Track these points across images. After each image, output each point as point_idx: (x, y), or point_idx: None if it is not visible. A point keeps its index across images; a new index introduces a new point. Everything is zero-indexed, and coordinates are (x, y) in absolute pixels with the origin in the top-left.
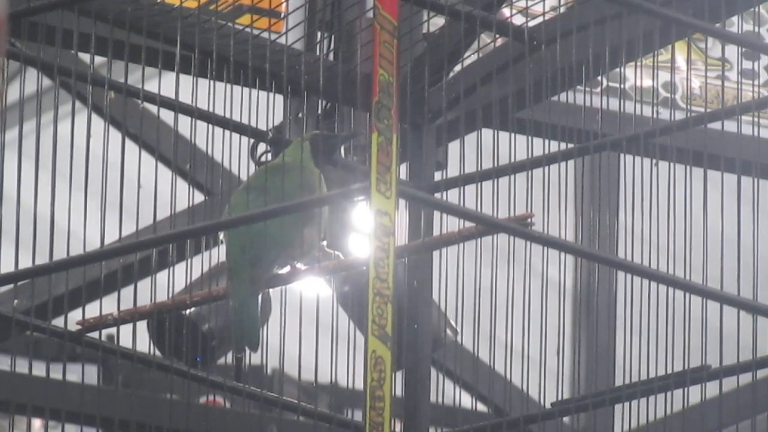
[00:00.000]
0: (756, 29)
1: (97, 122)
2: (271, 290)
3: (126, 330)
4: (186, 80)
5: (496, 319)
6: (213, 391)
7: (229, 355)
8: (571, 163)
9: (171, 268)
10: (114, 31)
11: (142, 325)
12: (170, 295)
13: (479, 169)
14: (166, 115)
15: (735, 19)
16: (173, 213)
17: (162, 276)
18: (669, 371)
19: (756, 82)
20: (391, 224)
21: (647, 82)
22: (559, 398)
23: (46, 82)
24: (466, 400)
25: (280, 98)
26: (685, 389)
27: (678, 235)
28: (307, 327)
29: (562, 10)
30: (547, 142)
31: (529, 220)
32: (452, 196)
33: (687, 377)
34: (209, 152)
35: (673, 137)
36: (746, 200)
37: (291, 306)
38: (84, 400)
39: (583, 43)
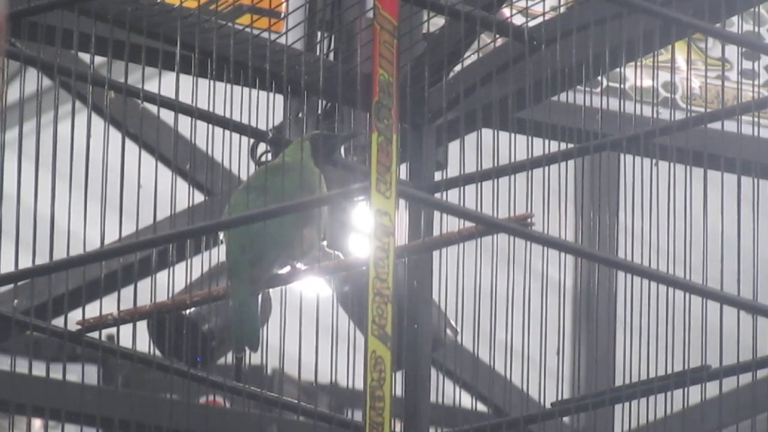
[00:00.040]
0: (756, 29)
1: (97, 122)
2: (271, 290)
3: (126, 330)
4: (186, 80)
5: (496, 319)
6: (213, 391)
7: (229, 355)
8: (571, 163)
9: (171, 268)
10: (114, 31)
11: (142, 325)
12: (170, 295)
13: (479, 169)
14: (166, 115)
15: (735, 19)
16: (173, 213)
17: (162, 276)
18: (669, 371)
19: (756, 82)
20: (391, 224)
21: (647, 82)
22: (559, 398)
23: (46, 82)
24: (466, 400)
25: (280, 98)
26: (685, 389)
27: (678, 236)
28: (307, 327)
29: (562, 10)
30: (547, 142)
31: (529, 220)
32: (452, 196)
33: (687, 377)
34: (209, 152)
35: (673, 137)
36: (746, 200)
37: (291, 306)
38: (84, 400)
39: (583, 43)
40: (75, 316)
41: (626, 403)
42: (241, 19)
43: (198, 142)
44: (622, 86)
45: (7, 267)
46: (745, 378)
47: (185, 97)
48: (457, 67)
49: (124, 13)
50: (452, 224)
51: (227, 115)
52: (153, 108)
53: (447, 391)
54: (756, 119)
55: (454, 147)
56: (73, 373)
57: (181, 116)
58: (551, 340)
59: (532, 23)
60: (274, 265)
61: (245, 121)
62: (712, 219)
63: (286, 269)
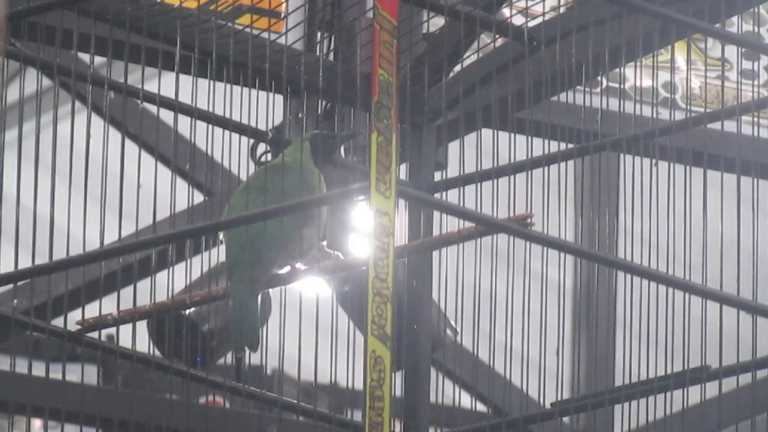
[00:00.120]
0: (756, 29)
1: (97, 122)
2: (270, 290)
3: (126, 330)
4: (186, 80)
5: (495, 319)
6: (213, 391)
7: (229, 355)
8: (570, 163)
9: (170, 268)
10: (114, 31)
11: (141, 325)
12: (170, 295)
13: (479, 169)
14: (166, 115)
15: (735, 19)
16: (173, 213)
17: (162, 276)
18: (669, 371)
19: (756, 82)
20: (391, 224)
21: (647, 82)
22: (559, 398)
23: (46, 82)
24: (466, 401)
25: (279, 98)
26: (685, 389)
27: (677, 236)
28: (307, 327)
29: (562, 10)
30: (546, 142)
31: (528, 220)
32: (452, 196)
33: (687, 377)
34: (209, 152)
35: (672, 137)
36: (746, 200)
37: (291, 306)
38: (84, 400)
39: (583, 43)
40: (75, 316)
41: (626, 404)
42: (240, 19)
43: (198, 142)
44: (621, 86)
45: (7, 267)
46: (745, 378)
47: (185, 97)
48: (457, 67)
49: (123, 13)
50: (452, 224)
51: (227, 115)
52: (153, 108)
53: (446, 391)
54: (756, 119)
55: (453, 147)
56: (73, 373)
57: (180, 116)
58: (551, 341)
59: (532, 23)
60: (274, 265)
61: (245, 121)
62: (712, 219)
63: (286, 269)
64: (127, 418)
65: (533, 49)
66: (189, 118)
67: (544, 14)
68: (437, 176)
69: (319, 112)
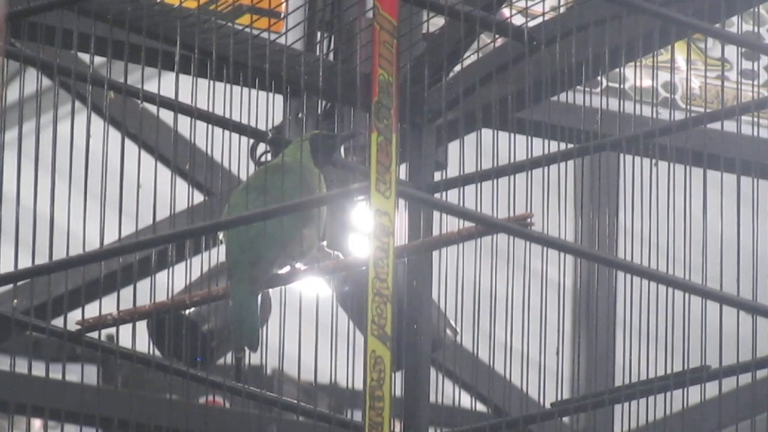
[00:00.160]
0: (756, 29)
1: (97, 122)
2: (270, 290)
3: (125, 330)
4: (186, 80)
5: (495, 319)
6: (213, 391)
7: (229, 355)
8: (570, 163)
9: (170, 268)
10: (114, 31)
11: (141, 325)
12: (170, 295)
13: (479, 169)
14: (166, 115)
15: (735, 19)
16: (173, 213)
17: (161, 276)
18: (668, 371)
19: (756, 82)
20: (391, 224)
21: (647, 82)
22: (559, 398)
23: (46, 82)
24: (466, 400)
25: (279, 98)
26: (685, 389)
27: (677, 236)
28: (307, 327)
29: (562, 10)
30: (546, 142)
31: (528, 220)
32: (452, 196)
33: (686, 377)
34: (209, 152)
35: (672, 137)
36: (746, 200)
37: (291, 306)
38: (83, 400)
39: (583, 43)
40: (74, 316)
41: (626, 404)
42: (240, 19)
43: (198, 142)
44: (621, 86)
45: (7, 267)
46: (745, 378)
47: (185, 97)
48: (457, 68)
49: (123, 13)
50: (452, 224)
51: (227, 115)
52: (152, 108)
53: (446, 391)
54: (756, 119)
55: (453, 147)
56: (73, 373)
57: (180, 116)
58: (551, 341)
59: (531, 23)
60: (274, 265)
61: (245, 121)
62: (712, 219)
63: (286, 269)
64: (127, 418)
65: (533, 49)
66: (189, 118)
67: (544, 14)
68: (437, 176)
69: (319, 112)
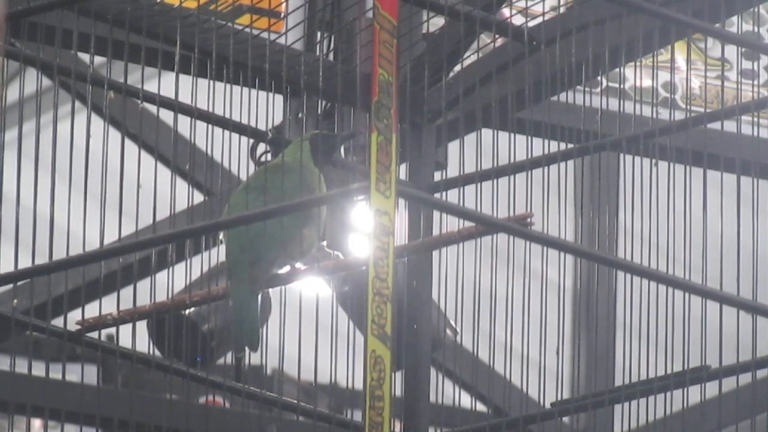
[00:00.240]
0: (756, 29)
1: (97, 122)
2: (270, 290)
3: (125, 330)
4: (185, 80)
5: (495, 319)
6: (213, 391)
7: (229, 355)
8: (570, 163)
9: (170, 268)
10: (114, 31)
11: (141, 325)
12: (170, 295)
13: (479, 169)
14: (166, 115)
15: (735, 19)
16: (173, 213)
17: (161, 276)
18: (668, 371)
19: (756, 82)
20: (391, 224)
21: (647, 82)
22: (559, 398)
23: (46, 82)
24: (466, 400)
25: (279, 98)
26: (685, 389)
27: (677, 236)
28: (307, 327)
29: (562, 10)
30: (546, 142)
31: (528, 220)
32: (452, 196)
33: (686, 377)
34: (209, 152)
35: (672, 137)
36: (746, 200)
37: (291, 306)
38: (83, 400)
39: (583, 43)
40: (74, 316)
41: (626, 404)
42: (240, 19)
43: (198, 142)
44: (621, 86)
45: (7, 267)
46: (745, 378)
47: (185, 97)
48: (457, 67)
49: (123, 13)
50: (452, 224)
51: (227, 115)
52: (152, 108)
53: (446, 391)
54: (756, 119)
55: (453, 147)
56: (73, 373)
57: (180, 116)
58: (551, 341)
59: (531, 23)
60: (274, 265)
61: (245, 121)
62: (712, 219)
63: (286, 269)
64: (127, 418)
65: (533, 49)
66: (189, 118)
67: (544, 14)
68: (437, 176)
69: (319, 112)
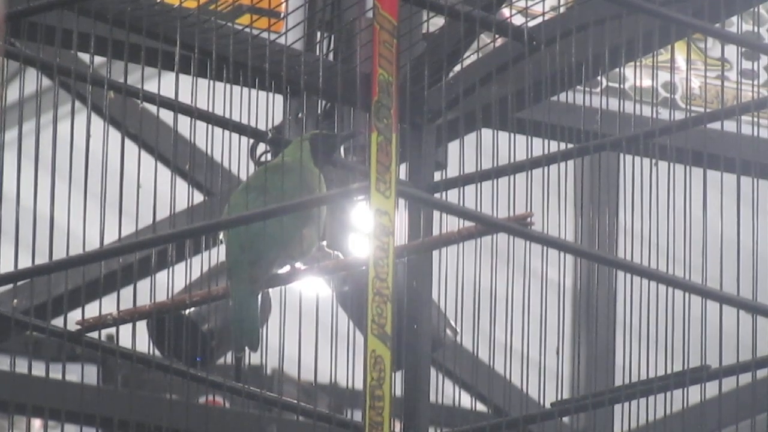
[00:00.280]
0: (756, 29)
1: (97, 122)
2: (270, 290)
3: (125, 330)
4: (185, 80)
5: (495, 318)
6: (213, 391)
7: (229, 355)
8: (570, 163)
9: (170, 268)
10: (114, 31)
11: (141, 325)
12: (170, 295)
13: (479, 169)
14: (166, 115)
15: (735, 19)
16: (173, 213)
17: (161, 276)
18: (668, 371)
19: (756, 82)
20: (391, 224)
21: (647, 82)
22: (559, 398)
23: (46, 82)
24: (466, 400)
25: (279, 98)
26: (685, 389)
27: (677, 235)
28: (307, 327)
29: (562, 10)
30: (546, 142)
31: (528, 219)
32: (452, 196)
33: (686, 377)
34: (209, 152)
35: (672, 137)
36: (746, 200)
37: (291, 306)
38: (83, 400)
39: (583, 43)
40: (74, 316)
41: (626, 404)
42: (240, 19)
43: (197, 142)
44: (621, 86)
45: (7, 267)
46: (745, 378)
47: (185, 97)
48: (457, 67)
49: (123, 13)
50: (452, 224)
51: (227, 115)
52: (152, 108)
53: (446, 391)
54: (755, 119)
55: (453, 147)
56: (73, 373)
57: (180, 116)
58: (551, 340)
59: (531, 23)
60: (274, 264)
61: (245, 121)
62: (712, 219)
63: (286, 269)
64: (127, 418)
65: (533, 49)
66: (189, 118)
67: (544, 14)
68: (437, 176)
69: (319, 112)
